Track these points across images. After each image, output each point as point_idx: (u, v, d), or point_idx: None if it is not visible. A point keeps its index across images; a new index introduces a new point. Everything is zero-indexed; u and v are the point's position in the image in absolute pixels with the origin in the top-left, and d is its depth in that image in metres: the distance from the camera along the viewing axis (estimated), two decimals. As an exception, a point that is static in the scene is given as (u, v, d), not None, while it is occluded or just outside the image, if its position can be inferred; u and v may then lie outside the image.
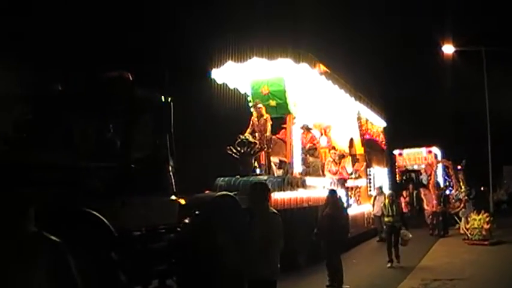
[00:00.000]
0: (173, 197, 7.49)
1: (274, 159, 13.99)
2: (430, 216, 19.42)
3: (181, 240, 7.36)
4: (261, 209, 5.58)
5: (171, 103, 7.42)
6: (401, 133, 30.16)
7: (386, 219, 12.81)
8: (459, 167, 21.74)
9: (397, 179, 28.60)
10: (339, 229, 10.07)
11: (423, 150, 28.75)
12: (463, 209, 18.76)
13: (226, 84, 13.90)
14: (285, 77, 13.12)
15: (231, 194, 8.95)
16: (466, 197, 19.40)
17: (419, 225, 19.63)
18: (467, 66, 27.54)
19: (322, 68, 14.11)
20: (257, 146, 12.20)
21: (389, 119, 22.74)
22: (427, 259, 13.46)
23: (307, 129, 16.30)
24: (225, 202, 8.42)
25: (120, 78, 6.76)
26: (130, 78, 6.88)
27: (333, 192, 10.62)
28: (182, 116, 7.78)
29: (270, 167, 12.98)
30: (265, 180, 11.45)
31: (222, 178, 11.93)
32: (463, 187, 19.89)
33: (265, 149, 12.70)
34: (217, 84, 13.51)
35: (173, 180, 7.43)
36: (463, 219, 18.15)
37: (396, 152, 29.00)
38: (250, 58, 12.46)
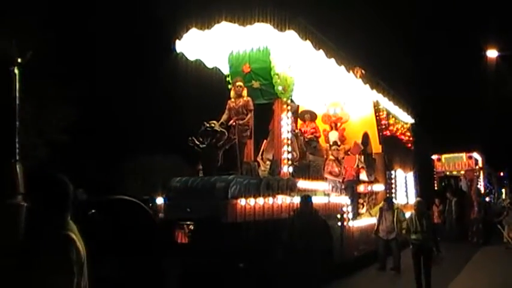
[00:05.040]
0: (21, 201, 4.79)
1: (268, 156, 11.31)
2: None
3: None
4: (48, 229, 2.89)
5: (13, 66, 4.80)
6: (439, 137, 28.90)
7: (413, 236, 9.41)
8: (502, 174, 20.24)
9: (435, 185, 27.12)
10: (316, 257, 7.32)
11: (463, 156, 26.78)
12: (506, 217, 17.61)
13: (201, 62, 11.20)
14: (271, 50, 10.32)
15: (135, 200, 6.14)
16: (509, 205, 17.96)
17: (459, 234, 18.86)
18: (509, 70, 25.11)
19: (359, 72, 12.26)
20: (225, 136, 9.33)
21: (422, 117, 19.93)
22: (469, 268, 13.12)
23: (310, 118, 13.59)
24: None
25: None
26: None
27: (307, 200, 7.76)
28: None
29: (248, 163, 10.11)
30: (231, 180, 8.63)
31: (178, 178, 9.22)
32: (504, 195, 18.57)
33: (238, 140, 9.84)
34: (188, 61, 10.79)
35: (18, 177, 4.72)
36: (506, 227, 17.51)
37: (434, 156, 27.35)
38: (217, 23, 9.58)
